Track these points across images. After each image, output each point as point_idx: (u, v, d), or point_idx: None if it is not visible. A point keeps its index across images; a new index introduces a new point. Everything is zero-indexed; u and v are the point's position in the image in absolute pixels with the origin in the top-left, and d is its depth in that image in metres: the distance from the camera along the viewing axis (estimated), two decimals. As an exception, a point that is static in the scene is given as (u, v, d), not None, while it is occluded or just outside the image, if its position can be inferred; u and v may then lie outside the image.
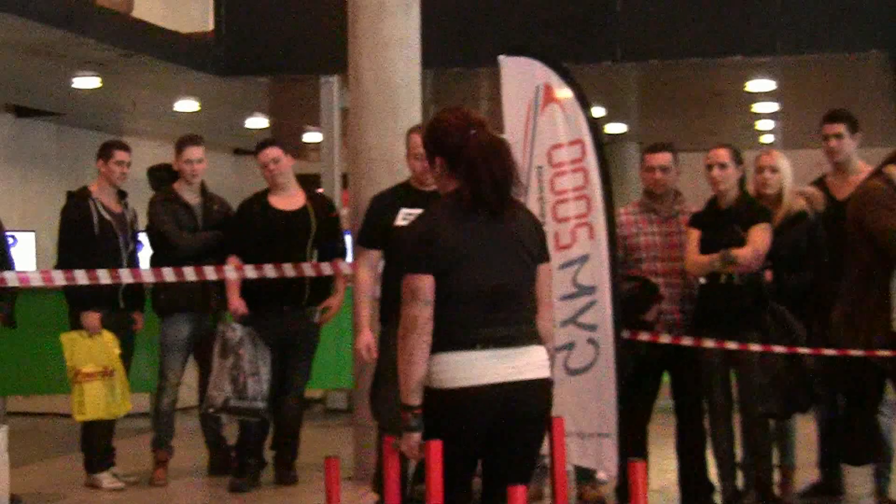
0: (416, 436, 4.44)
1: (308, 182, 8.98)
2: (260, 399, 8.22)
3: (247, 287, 8.23)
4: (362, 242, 7.14)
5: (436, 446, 4.38)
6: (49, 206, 17.41)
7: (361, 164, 8.34)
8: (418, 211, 6.81)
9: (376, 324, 7.03)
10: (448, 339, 4.49)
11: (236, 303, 8.21)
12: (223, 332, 8.23)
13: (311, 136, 17.46)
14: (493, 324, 4.52)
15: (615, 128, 18.90)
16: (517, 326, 4.60)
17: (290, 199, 8.40)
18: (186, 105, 16.24)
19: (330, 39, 10.68)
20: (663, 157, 7.46)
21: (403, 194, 7.03)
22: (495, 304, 4.54)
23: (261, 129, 19.34)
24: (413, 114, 8.38)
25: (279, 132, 18.75)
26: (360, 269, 7.06)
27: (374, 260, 7.06)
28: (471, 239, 4.57)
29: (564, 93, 6.63)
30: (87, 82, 14.39)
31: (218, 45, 13.39)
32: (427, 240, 4.56)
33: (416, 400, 4.45)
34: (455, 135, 4.58)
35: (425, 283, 4.50)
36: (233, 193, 9.16)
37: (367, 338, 6.95)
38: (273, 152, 8.40)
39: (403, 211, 6.89)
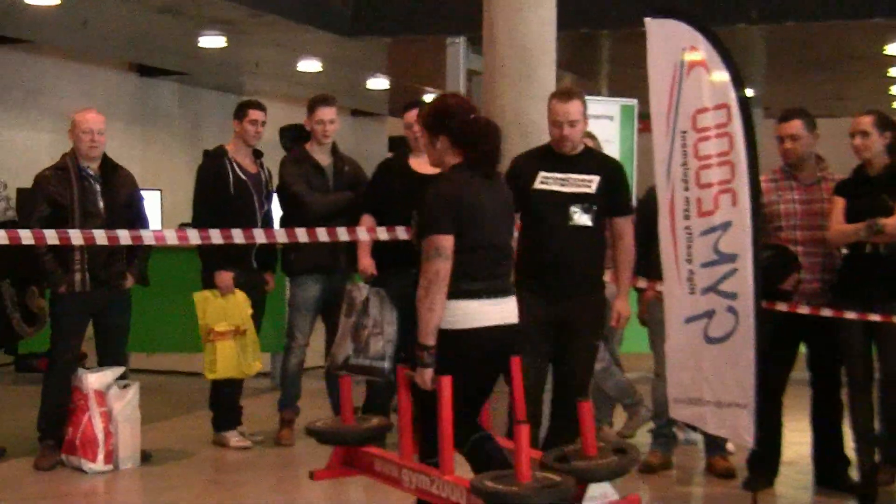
0: (430, 371, 5.32)
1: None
2: (383, 359, 8.20)
3: (377, 247, 8.23)
4: None
5: (446, 381, 5.28)
6: (171, 166, 17.65)
7: (494, 125, 8.26)
8: (558, 175, 6.80)
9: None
10: (459, 289, 5.36)
11: (366, 263, 8.21)
12: (350, 291, 8.20)
13: (432, 98, 17.44)
14: (494, 276, 5.48)
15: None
16: (506, 278, 5.62)
17: (428, 163, 8.34)
18: (309, 65, 16.30)
19: (457, 0, 10.65)
20: (791, 126, 7.25)
21: (543, 158, 6.95)
22: (495, 258, 5.50)
23: (381, 90, 19.39)
24: (548, 77, 8.27)
25: (399, 93, 18.77)
26: None
27: None
28: (482, 203, 5.45)
29: (712, 55, 6.48)
30: (212, 41, 14.50)
31: (344, 4, 13.40)
32: (452, 204, 5.38)
33: (432, 341, 5.33)
34: (460, 117, 5.45)
35: (449, 242, 5.32)
36: (350, 155, 9.13)
37: None
38: (415, 115, 8.35)
39: (542, 174, 6.83)
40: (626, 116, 11.88)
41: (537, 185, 6.82)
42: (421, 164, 8.28)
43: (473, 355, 5.42)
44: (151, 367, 11.33)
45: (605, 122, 11.39)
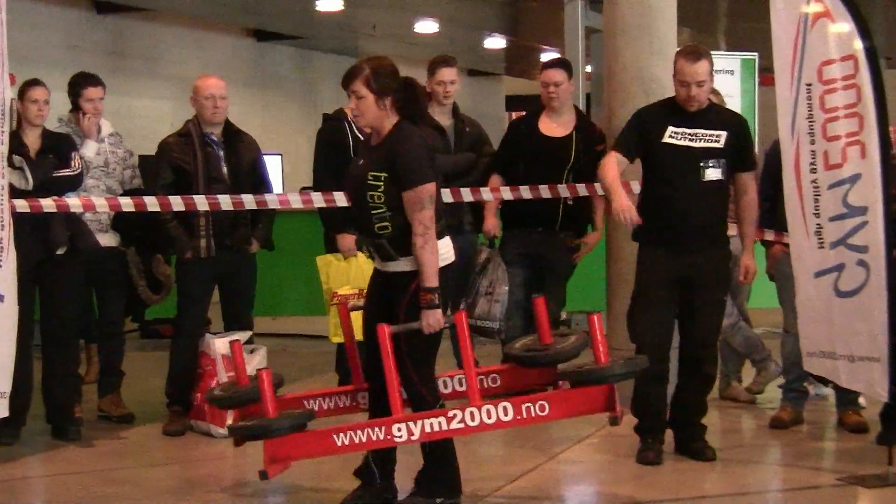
0: (439, 311, 5.72)
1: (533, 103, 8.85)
2: (492, 319, 8.23)
3: (502, 207, 8.24)
4: (617, 147, 6.98)
5: (461, 316, 5.90)
6: (289, 130, 17.78)
7: (615, 84, 8.20)
8: (687, 130, 6.73)
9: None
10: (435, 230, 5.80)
11: (491, 223, 8.22)
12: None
13: (548, 57, 17.36)
14: (444, 215, 5.97)
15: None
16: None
17: (558, 125, 8.32)
18: (426, 26, 16.30)
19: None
20: None
21: (671, 112, 6.89)
22: (440, 199, 5.95)
23: (498, 50, 19.34)
24: (669, 34, 8.22)
25: (516, 52, 18.71)
26: (608, 158, 6.90)
27: (623, 164, 6.87)
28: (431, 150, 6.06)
29: (835, 7, 6.36)
30: (329, 5, 14.57)
31: (461, -36, 13.39)
32: (428, 154, 5.89)
33: (437, 282, 5.72)
34: (400, 79, 5.90)
35: (434, 188, 5.77)
36: (467, 115, 9.11)
37: (625, 202, 6.66)
38: (557, 74, 8.32)
39: (671, 129, 6.79)
40: (747, 70, 11.78)
41: (666, 138, 6.79)
42: (549, 126, 8.26)
43: (446, 291, 5.86)
44: (276, 330, 11.42)
45: (725, 76, 11.30)
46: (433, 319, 5.72)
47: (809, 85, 6.43)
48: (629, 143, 6.92)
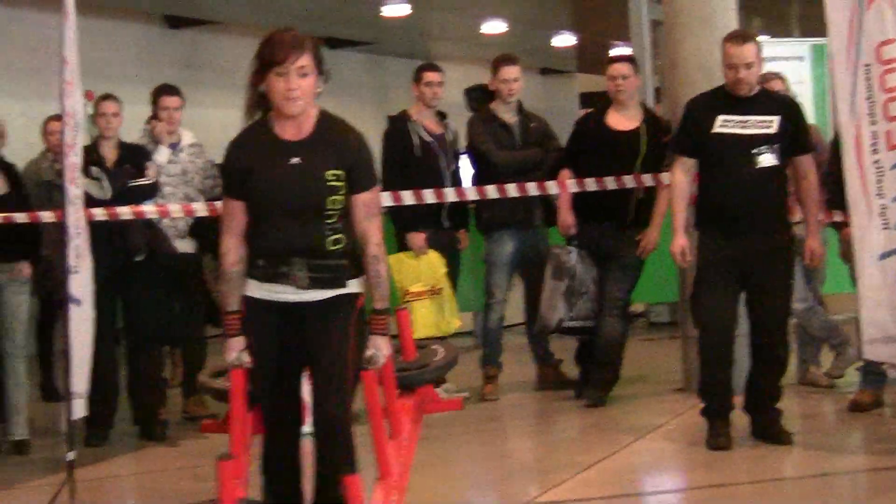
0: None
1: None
2: (590, 318, 8.32)
3: (573, 203, 8.32)
4: (677, 150, 7.07)
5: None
6: (363, 132, 17.89)
7: (678, 75, 8.26)
8: (737, 118, 6.75)
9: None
10: None
11: (568, 221, 8.28)
12: (558, 254, 8.31)
13: (619, 52, 17.39)
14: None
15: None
16: None
17: (626, 119, 8.33)
18: (494, 26, 16.39)
19: (638, -50, 10.64)
20: None
21: (721, 101, 6.92)
22: None
23: (567, 47, 19.38)
24: (728, 21, 8.26)
25: (586, 49, 18.74)
26: (677, 174, 6.97)
27: (690, 165, 6.95)
28: None
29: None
30: (396, 10, 14.68)
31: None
32: None
33: None
34: None
35: None
36: (541, 113, 9.19)
37: (682, 241, 6.91)
38: (623, 68, 8.36)
39: (721, 118, 6.80)
40: (818, 56, 11.72)
41: (717, 128, 6.80)
42: (617, 120, 8.30)
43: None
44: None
45: (795, 63, 11.26)
46: (388, 349, 4.95)
47: (868, 66, 6.44)
48: (688, 142, 6.97)
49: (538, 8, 15.01)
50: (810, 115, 10.00)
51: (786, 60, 11.03)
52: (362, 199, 4.86)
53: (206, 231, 8.21)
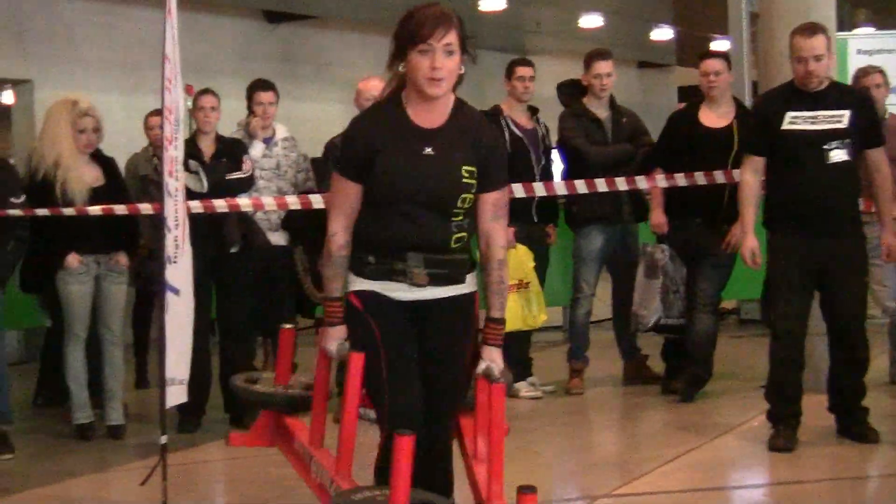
0: None
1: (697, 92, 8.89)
2: (683, 316, 8.36)
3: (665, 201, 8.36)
4: (748, 149, 7.05)
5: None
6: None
7: (772, 69, 8.23)
8: (806, 113, 6.71)
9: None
10: None
11: (660, 220, 8.32)
12: (651, 253, 8.36)
13: (718, 45, 17.31)
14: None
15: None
16: None
17: (719, 115, 8.30)
18: (591, 20, 16.41)
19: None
20: None
21: (789, 97, 6.88)
22: None
23: (666, 41, 19.32)
24: (827, 13, 8.21)
25: (685, 42, 18.68)
26: (746, 174, 6.94)
27: (760, 165, 6.91)
28: None
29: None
30: (493, 4, 14.76)
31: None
32: None
33: None
34: None
35: None
36: (638, 107, 9.23)
37: (752, 242, 6.90)
38: (716, 64, 8.34)
39: (790, 114, 6.76)
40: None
41: (786, 125, 6.75)
42: (710, 117, 8.29)
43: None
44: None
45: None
46: (502, 362, 4.53)
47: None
48: (759, 141, 6.93)
49: (636, 1, 15.00)
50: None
51: (889, 53, 10.92)
52: (492, 199, 4.48)
53: (298, 224, 8.37)
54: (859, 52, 10.80)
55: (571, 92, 8.96)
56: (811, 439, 6.93)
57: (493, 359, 4.48)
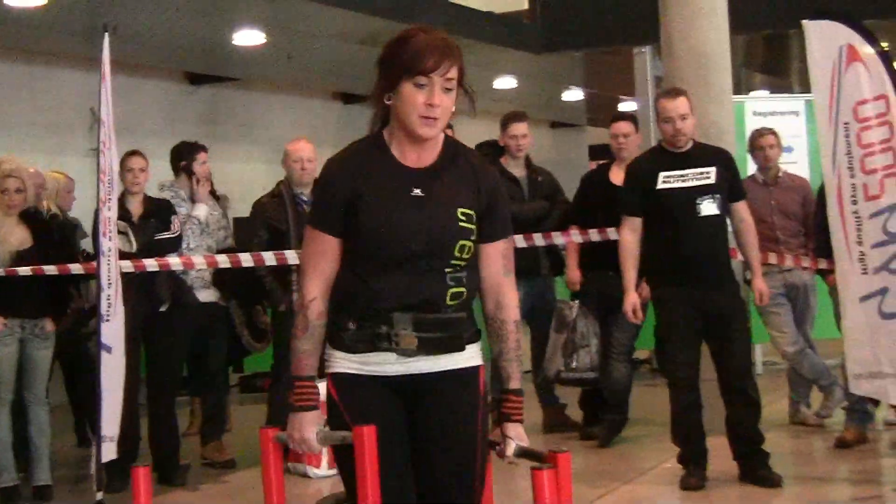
0: None
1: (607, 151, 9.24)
2: (590, 369, 8.65)
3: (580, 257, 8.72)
4: (625, 210, 7.37)
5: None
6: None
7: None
8: (677, 172, 7.10)
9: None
10: None
11: (574, 276, 8.68)
12: (561, 308, 8.69)
13: (626, 106, 17.79)
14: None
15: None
16: None
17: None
18: (505, 82, 16.76)
19: (640, 10, 10.99)
20: None
21: (659, 159, 7.29)
22: None
23: (577, 102, 19.75)
24: (724, 81, 8.67)
25: (595, 103, 19.11)
26: (625, 234, 7.31)
27: (638, 224, 7.27)
28: None
29: (867, 51, 6.88)
30: (411, 67, 15.03)
31: (534, 23, 13.81)
32: None
33: None
34: None
35: None
36: (552, 165, 9.58)
37: (633, 298, 7.31)
38: (624, 127, 8.79)
39: (663, 175, 7.16)
40: (812, 111, 12.01)
41: (660, 185, 7.17)
42: (620, 176, 8.60)
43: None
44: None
45: (791, 117, 11.62)
46: (525, 439, 3.87)
47: (847, 123, 6.95)
48: (634, 202, 7.30)
49: (548, 65, 15.38)
50: (804, 169, 10.48)
51: (782, 115, 11.42)
52: (499, 250, 3.85)
53: (230, 280, 8.52)
54: (755, 114, 11.27)
55: (489, 152, 9.23)
56: (720, 478, 7.25)
57: (520, 437, 3.84)
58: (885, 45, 7.34)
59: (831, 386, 8.76)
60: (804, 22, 7.19)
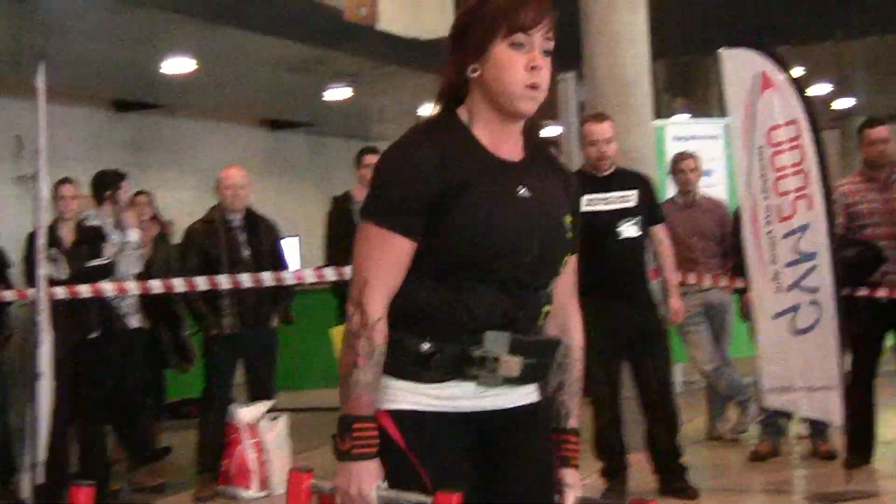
0: None
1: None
2: None
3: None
4: None
5: None
6: (306, 213, 18.37)
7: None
8: (599, 196, 7.29)
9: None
10: None
11: None
12: None
13: (550, 131, 18.00)
14: None
15: (843, 103, 19.01)
16: None
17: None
18: (431, 108, 16.97)
19: (563, 36, 11.21)
20: (882, 130, 7.92)
21: (582, 183, 7.37)
22: None
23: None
24: (644, 107, 8.89)
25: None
26: None
27: None
28: None
29: (780, 77, 7.15)
30: (338, 94, 15.22)
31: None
32: None
33: None
34: None
35: None
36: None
37: None
38: None
39: (585, 198, 7.19)
40: (731, 135, 12.31)
41: (584, 208, 7.29)
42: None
43: None
44: (298, 404, 11.83)
45: (710, 141, 11.87)
46: (579, 484, 3.19)
47: (761, 147, 7.22)
48: None
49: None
50: (724, 191, 10.75)
51: (702, 139, 11.69)
52: (572, 265, 3.30)
53: (156, 303, 8.61)
54: (675, 138, 11.51)
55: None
56: (640, 491, 7.39)
57: (577, 484, 3.17)
58: (797, 71, 7.65)
59: (747, 402, 8.94)
60: (720, 51, 7.45)
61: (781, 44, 8.67)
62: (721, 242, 8.79)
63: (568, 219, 3.11)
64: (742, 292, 8.26)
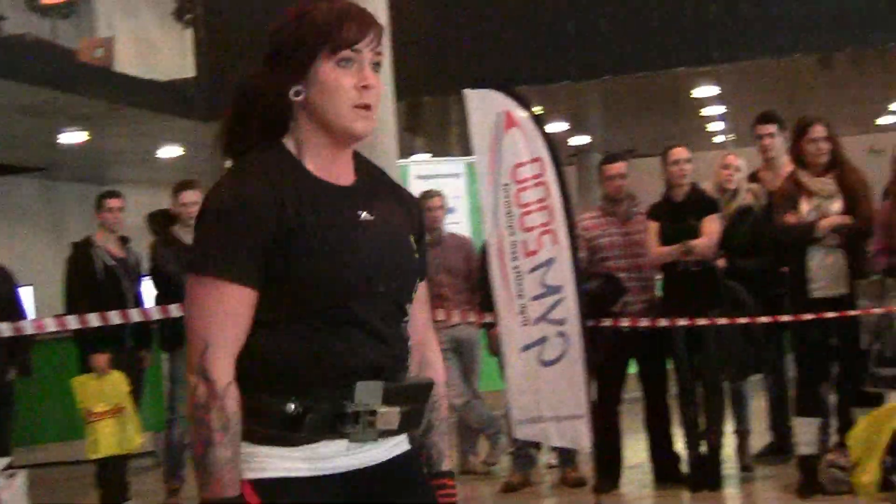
0: None
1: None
2: None
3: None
4: None
5: None
6: (39, 261, 17.85)
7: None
8: None
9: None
10: None
11: None
12: None
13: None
14: None
15: (579, 140, 19.59)
16: None
17: None
18: (170, 151, 16.75)
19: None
20: (621, 166, 8.22)
21: None
22: None
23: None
24: (389, 145, 8.98)
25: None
26: None
27: None
28: None
29: (522, 117, 7.31)
30: (73, 137, 14.89)
31: (198, 91, 13.90)
32: None
33: None
34: None
35: None
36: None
37: None
38: None
39: None
40: (473, 173, 12.54)
41: None
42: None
43: None
44: (35, 461, 11.46)
45: (453, 179, 12.09)
46: None
47: (506, 184, 7.37)
48: None
49: (213, 133, 15.44)
50: (466, 228, 10.94)
51: (445, 178, 11.87)
52: (424, 293, 2.97)
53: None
54: (419, 177, 11.68)
55: (161, 221, 9.27)
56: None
57: None
58: (537, 109, 7.83)
59: (497, 434, 9.16)
60: (464, 91, 7.59)
61: (520, 84, 8.80)
62: (468, 278, 8.93)
63: (412, 238, 2.85)
64: (490, 327, 8.39)
